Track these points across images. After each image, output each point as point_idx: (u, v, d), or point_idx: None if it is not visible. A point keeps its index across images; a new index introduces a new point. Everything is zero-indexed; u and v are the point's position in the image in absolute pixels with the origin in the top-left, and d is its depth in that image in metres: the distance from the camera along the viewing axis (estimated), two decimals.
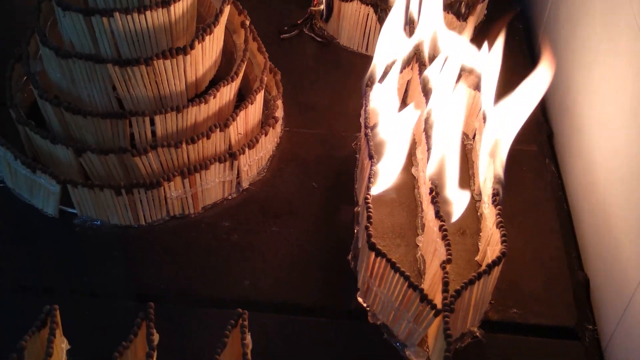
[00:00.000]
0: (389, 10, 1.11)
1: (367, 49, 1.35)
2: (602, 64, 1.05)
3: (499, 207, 0.93)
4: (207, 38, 1.03)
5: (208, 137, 1.04)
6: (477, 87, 1.11)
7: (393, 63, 1.11)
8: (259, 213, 1.08)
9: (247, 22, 1.16)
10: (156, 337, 0.79)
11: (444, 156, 0.97)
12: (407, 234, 1.04)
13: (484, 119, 1.04)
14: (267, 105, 1.19)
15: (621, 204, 0.95)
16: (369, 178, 0.97)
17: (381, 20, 1.30)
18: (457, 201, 0.96)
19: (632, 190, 0.91)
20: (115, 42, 0.98)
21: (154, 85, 1.01)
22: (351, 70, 1.31)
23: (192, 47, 1.00)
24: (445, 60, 1.07)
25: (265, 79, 1.15)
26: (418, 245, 1.02)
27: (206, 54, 1.05)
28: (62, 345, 0.84)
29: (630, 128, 0.94)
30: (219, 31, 1.07)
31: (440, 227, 0.91)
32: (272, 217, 1.08)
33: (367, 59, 1.15)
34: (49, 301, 0.82)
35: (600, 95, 1.05)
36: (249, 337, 0.80)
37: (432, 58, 1.12)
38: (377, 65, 1.10)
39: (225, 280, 0.99)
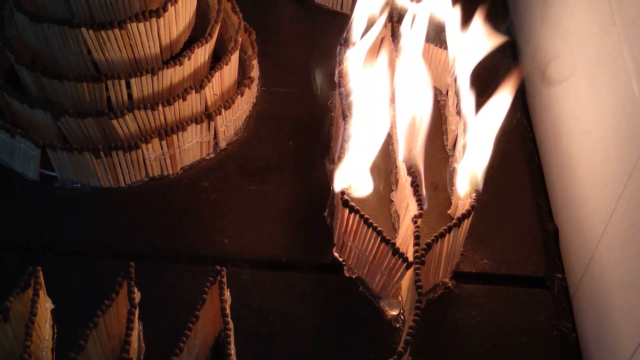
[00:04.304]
0: None
1: (341, 7, 1.36)
2: (569, 20, 1.07)
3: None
4: (179, 0, 1.03)
5: (184, 99, 1.05)
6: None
7: (371, 21, 1.11)
8: (237, 172, 1.10)
9: None
10: (137, 295, 0.82)
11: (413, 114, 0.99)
12: (381, 190, 1.06)
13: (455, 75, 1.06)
14: (243, 66, 1.20)
15: (586, 155, 0.97)
16: (343, 137, 0.99)
17: None
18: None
19: (597, 141, 0.94)
20: (89, 6, 0.98)
21: (128, 49, 1.02)
22: (326, 29, 1.31)
23: (165, 9, 1.01)
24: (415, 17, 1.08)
25: (240, 39, 1.15)
26: (392, 201, 1.04)
27: (179, 15, 1.06)
28: (46, 304, 0.86)
29: (594, 80, 0.96)
30: None
31: (412, 182, 0.93)
32: (250, 175, 1.09)
33: (342, 17, 1.15)
34: (31, 261, 0.84)
35: (567, 49, 1.07)
36: (227, 293, 0.83)
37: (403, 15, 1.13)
38: (355, 24, 1.11)
39: (204, 238, 1.01)
